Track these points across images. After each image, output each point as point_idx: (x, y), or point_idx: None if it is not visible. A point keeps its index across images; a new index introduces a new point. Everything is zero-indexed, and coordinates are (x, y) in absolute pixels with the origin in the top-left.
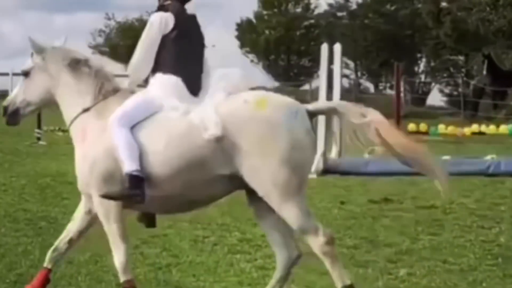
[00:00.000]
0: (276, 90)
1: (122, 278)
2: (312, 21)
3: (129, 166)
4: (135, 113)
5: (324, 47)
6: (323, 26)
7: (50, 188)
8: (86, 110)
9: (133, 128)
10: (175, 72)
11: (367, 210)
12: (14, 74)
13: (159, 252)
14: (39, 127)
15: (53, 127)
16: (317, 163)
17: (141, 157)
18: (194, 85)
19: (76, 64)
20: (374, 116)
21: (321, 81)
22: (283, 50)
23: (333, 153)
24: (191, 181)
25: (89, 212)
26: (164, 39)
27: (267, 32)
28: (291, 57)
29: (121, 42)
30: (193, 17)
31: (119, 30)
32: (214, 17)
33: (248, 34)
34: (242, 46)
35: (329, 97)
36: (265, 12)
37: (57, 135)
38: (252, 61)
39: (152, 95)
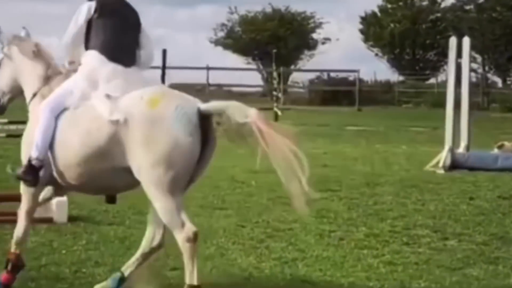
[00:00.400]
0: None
1: (12, 249)
2: (439, 14)
3: (34, 152)
4: (59, 100)
5: (453, 41)
6: (449, 19)
7: None
8: (34, 95)
9: (61, 114)
10: (100, 49)
11: (496, 206)
12: None
13: (285, 246)
14: None
15: None
16: (444, 158)
17: (55, 145)
18: (120, 58)
19: (32, 53)
20: (255, 116)
21: (449, 75)
22: (408, 43)
23: (461, 148)
24: (94, 171)
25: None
26: (91, 22)
27: (392, 25)
28: (417, 50)
29: (243, 36)
30: (122, 4)
31: (242, 23)
32: (338, 10)
33: (373, 28)
34: (366, 40)
35: (457, 91)
36: (390, 6)
37: None
38: (376, 54)
39: (74, 82)
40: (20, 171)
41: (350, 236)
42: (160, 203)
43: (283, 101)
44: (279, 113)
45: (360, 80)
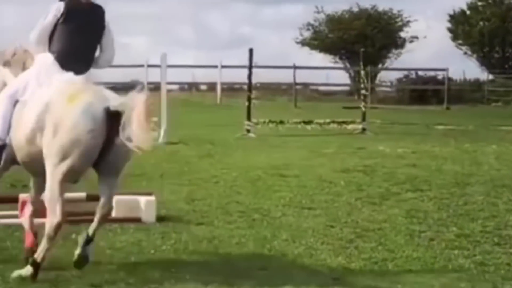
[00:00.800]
0: None
1: None
2: None
3: None
4: (14, 91)
5: None
6: None
7: (262, 181)
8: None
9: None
10: (56, 55)
11: None
12: (223, 67)
13: (374, 246)
14: (249, 119)
15: (263, 119)
16: None
17: (11, 128)
18: (72, 66)
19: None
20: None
21: None
22: (498, 42)
23: None
24: (31, 153)
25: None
26: (57, 25)
27: (481, 23)
28: (506, 49)
29: (329, 35)
30: (87, 4)
31: (328, 22)
32: (425, 8)
33: (461, 26)
34: (454, 38)
35: None
36: (479, 3)
37: (267, 127)
38: (465, 53)
39: (27, 77)
40: None
41: (440, 236)
42: (49, 185)
43: (370, 100)
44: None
45: (449, 79)
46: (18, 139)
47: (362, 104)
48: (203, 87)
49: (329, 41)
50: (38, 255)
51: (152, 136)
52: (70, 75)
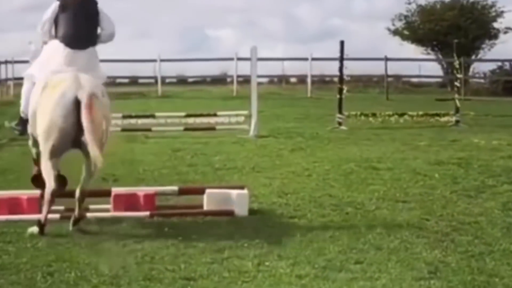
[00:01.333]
0: None
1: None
2: None
3: (22, 107)
4: (32, 72)
5: None
6: None
7: (355, 174)
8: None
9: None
10: (61, 39)
11: None
12: (314, 59)
13: (471, 240)
14: (340, 112)
15: (354, 112)
16: None
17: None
18: (76, 43)
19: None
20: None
21: None
22: None
23: None
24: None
25: None
26: (57, 17)
27: None
28: None
29: (421, 26)
30: (79, 1)
31: (420, 13)
32: None
33: None
34: None
35: None
36: None
37: (359, 119)
38: None
39: (38, 61)
40: (15, 123)
41: None
42: (42, 162)
43: (464, 91)
44: (458, 103)
45: None
46: (30, 115)
47: (455, 96)
48: (293, 79)
49: (421, 32)
50: (42, 217)
51: (100, 145)
52: (73, 57)
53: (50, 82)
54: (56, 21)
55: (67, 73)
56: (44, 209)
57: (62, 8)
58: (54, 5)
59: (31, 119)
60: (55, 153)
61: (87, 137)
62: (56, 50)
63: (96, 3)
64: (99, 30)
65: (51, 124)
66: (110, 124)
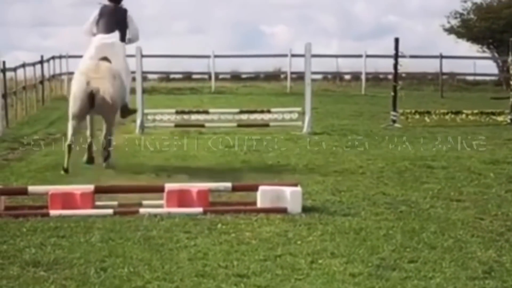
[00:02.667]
0: None
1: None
2: None
3: None
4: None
5: None
6: None
7: (409, 172)
8: None
9: None
10: (98, 33)
11: None
12: (368, 56)
13: None
14: (394, 109)
15: (409, 109)
16: None
17: None
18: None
19: None
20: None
21: None
22: None
23: None
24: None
25: None
26: (98, 21)
27: None
28: None
29: (477, 23)
30: (115, 8)
31: (476, 11)
32: None
33: None
34: None
35: None
36: None
37: (413, 118)
38: None
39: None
40: None
41: None
42: (69, 122)
43: None
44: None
45: None
46: None
47: (511, 94)
48: (347, 76)
49: (477, 30)
50: (65, 163)
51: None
52: (106, 41)
53: (79, 69)
54: (96, 24)
55: (91, 61)
56: (66, 157)
57: (100, 15)
58: (95, 12)
59: None
60: (76, 117)
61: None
62: (98, 41)
63: (125, 11)
64: (129, 31)
65: (74, 97)
66: (121, 99)
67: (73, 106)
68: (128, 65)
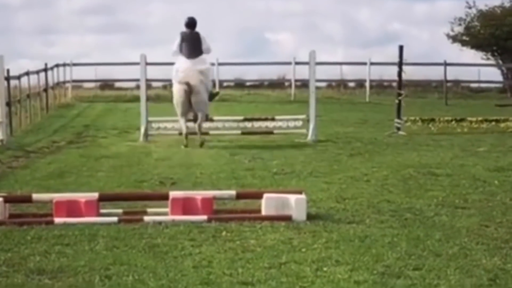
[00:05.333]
0: None
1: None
2: None
3: None
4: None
5: None
6: None
7: (413, 179)
8: None
9: None
10: (182, 54)
11: None
12: (372, 64)
13: None
14: (398, 117)
15: (413, 117)
16: None
17: None
18: (191, 55)
19: None
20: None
21: None
22: None
23: None
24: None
25: None
26: (181, 44)
27: None
28: None
29: (481, 31)
30: (191, 32)
31: (480, 18)
32: None
33: None
34: None
35: None
36: None
37: (417, 125)
38: None
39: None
40: None
41: None
42: (179, 119)
43: None
44: None
45: None
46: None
47: None
48: (351, 84)
49: (481, 37)
50: (185, 143)
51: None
52: (188, 61)
53: (177, 78)
54: (180, 46)
55: (184, 72)
56: (185, 141)
57: (182, 39)
58: (179, 38)
59: None
60: (182, 114)
61: (193, 105)
62: (182, 60)
63: (198, 34)
64: (203, 46)
65: (177, 100)
66: (207, 93)
67: (179, 109)
68: (208, 71)
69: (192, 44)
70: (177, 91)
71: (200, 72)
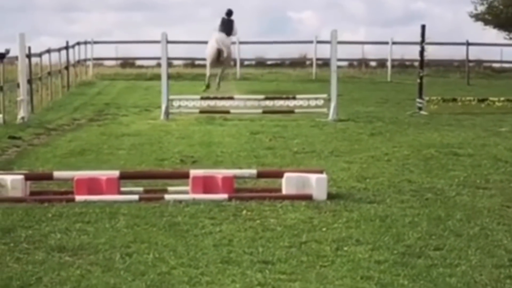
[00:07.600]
0: None
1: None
2: None
3: None
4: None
5: None
6: None
7: (435, 159)
8: None
9: None
10: (220, 30)
11: None
12: (394, 43)
13: None
14: (420, 96)
15: (435, 97)
16: None
17: None
18: (225, 32)
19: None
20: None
21: None
22: None
23: None
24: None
25: None
26: (221, 24)
27: None
28: None
29: (504, 10)
30: (228, 19)
31: None
32: None
33: None
34: None
35: None
36: None
37: (439, 105)
38: None
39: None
40: None
41: None
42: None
43: None
44: None
45: None
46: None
47: None
48: (373, 63)
49: (503, 16)
50: (207, 84)
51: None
52: (222, 34)
53: (211, 41)
54: (220, 26)
55: (219, 38)
56: (207, 83)
57: (221, 22)
58: (220, 20)
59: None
60: (211, 65)
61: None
62: (219, 34)
63: (233, 21)
64: (233, 31)
65: (209, 53)
66: (230, 57)
67: (208, 60)
68: (230, 45)
69: (227, 26)
70: (211, 47)
71: (227, 42)
